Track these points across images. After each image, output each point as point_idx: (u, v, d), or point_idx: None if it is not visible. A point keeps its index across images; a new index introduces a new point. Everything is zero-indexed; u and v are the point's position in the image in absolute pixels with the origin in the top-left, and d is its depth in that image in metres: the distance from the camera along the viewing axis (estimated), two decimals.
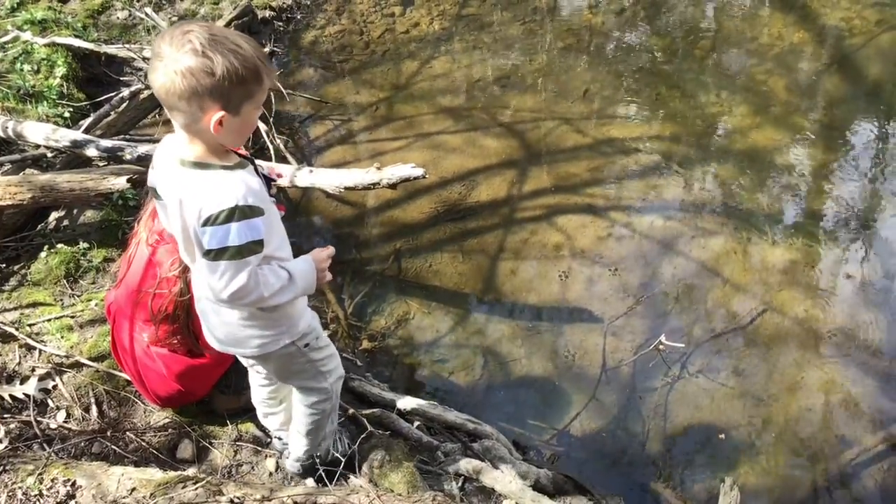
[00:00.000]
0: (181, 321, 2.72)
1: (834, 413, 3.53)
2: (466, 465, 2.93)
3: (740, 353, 3.74)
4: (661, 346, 3.71)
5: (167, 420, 2.99)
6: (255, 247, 1.99)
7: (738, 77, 5.33)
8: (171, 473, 2.62)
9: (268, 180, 2.16)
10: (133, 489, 2.50)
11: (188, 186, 1.97)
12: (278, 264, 2.15)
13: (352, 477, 2.79)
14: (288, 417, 2.77)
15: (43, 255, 3.68)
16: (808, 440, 3.42)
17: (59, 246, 3.72)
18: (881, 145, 4.82)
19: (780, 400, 3.57)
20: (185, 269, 2.62)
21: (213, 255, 1.95)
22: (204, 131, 1.90)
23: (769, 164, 4.68)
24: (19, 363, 3.15)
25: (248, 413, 3.02)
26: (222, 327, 2.29)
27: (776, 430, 3.45)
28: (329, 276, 2.29)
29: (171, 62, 1.80)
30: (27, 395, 3.00)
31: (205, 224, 1.93)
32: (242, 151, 2.11)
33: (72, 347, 3.24)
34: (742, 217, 4.37)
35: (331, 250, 2.31)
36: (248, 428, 3.02)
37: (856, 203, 4.43)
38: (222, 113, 1.86)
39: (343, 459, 2.67)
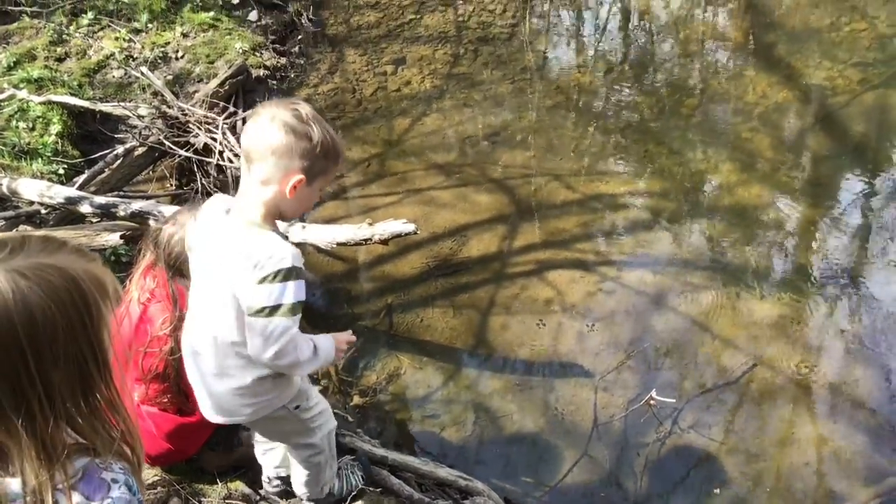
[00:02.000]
0: (171, 380, 2.72)
1: (825, 468, 3.52)
2: None
3: (731, 409, 3.75)
4: (651, 402, 3.71)
5: (156, 478, 2.96)
6: (300, 307, 2.10)
7: (725, 135, 5.42)
8: None
9: None
10: None
11: (243, 244, 2.07)
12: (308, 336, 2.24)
13: None
14: (286, 454, 2.78)
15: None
16: (800, 495, 3.41)
17: None
18: (867, 202, 4.89)
19: (771, 455, 3.56)
20: (176, 328, 2.62)
21: (268, 311, 2.05)
22: (276, 192, 2.04)
23: (756, 220, 4.74)
24: None
25: (238, 470, 3.00)
26: (213, 397, 2.33)
27: (769, 486, 3.44)
28: (341, 359, 2.36)
29: (277, 119, 1.98)
30: None
31: (262, 281, 2.03)
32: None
33: None
34: (730, 272, 4.40)
35: (353, 338, 2.47)
36: (238, 486, 3.00)
37: (843, 258, 4.48)
38: (302, 177, 2.01)
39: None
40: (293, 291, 2.06)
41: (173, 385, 2.73)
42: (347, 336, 2.44)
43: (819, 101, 5.69)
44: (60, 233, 3.77)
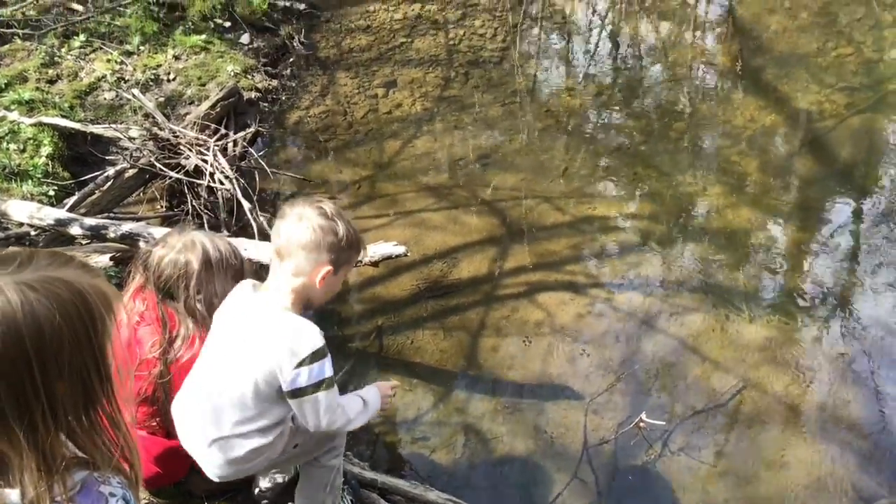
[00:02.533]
0: (160, 403, 2.70)
1: (816, 491, 3.52)
2: None
3: (721, 431, 3.75)
4: (641, 424, 3.72)
5: (144, 501, 2.94)
6: (334, 377, 2.32)
7: (713, 158, 5.46)
8: None
9: None
10: None
11: (276, 332, 2.26)
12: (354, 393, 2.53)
13: None
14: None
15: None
16: None
17: None
18: (855, 225, 4.93)
19: (761, 478, 3.56)
20: (165, 352, 2.62)
21: (311, 390, 2.25)
22: (306, 282, 2.26)
23: (745, 242, 4.77)
24: None
25: (226, 494, 2.98)
26: (210, 463, 2.46)
27: None
28: (388, 405, 2.71)
29: (305, 219, 2.21)
30: None
31: (300, 365, 2.21)
32: None
33: None
34: (719, 295, 4.43)
35: (396, 383, 2.82)
36: None
37: (831, 281, 4.51)
38: (329, 268, 2.24)
39: None
40: (328, 367, 2.28)
41: (161, 408, 2.72)
42: (392, 384, 2.73)
43: (806, 125, 5.75)
44: None
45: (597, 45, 6.93)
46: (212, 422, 2.39)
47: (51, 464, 1.31)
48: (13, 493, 1.30)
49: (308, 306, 2.38)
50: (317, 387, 2.25)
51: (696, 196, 5.15)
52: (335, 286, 2.37)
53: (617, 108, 6.07)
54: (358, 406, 2.47)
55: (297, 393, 2.25)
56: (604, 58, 6.77)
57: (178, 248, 2.65)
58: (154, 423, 2.77)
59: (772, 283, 4.54)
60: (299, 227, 2.20)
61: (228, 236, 4.17)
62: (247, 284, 2.42)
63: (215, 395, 2.37)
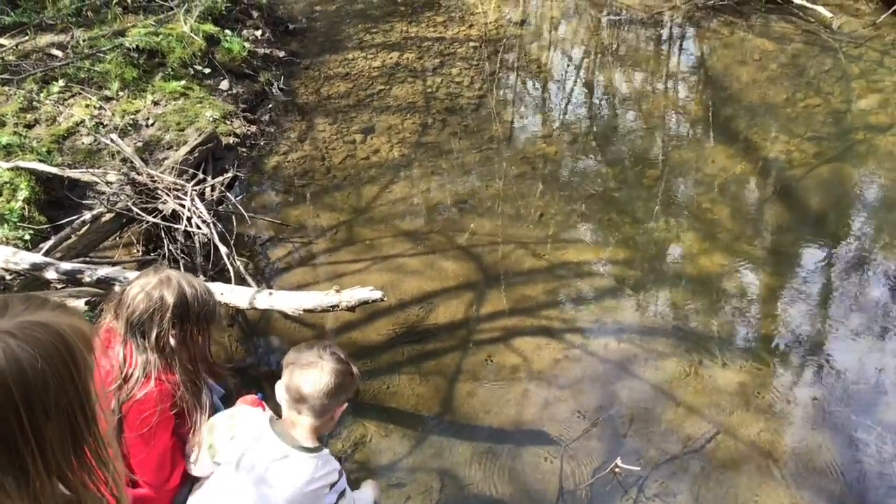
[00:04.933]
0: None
1: None
2: None
3: (696, 476, 3.76)
4: (616, 469, 3.72)
5: None
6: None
7: (686, 205, 5.55)
8: None
9: None
10: None
11: (309, 468, 2.50)
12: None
13: None
14: None
15: None
16: None
17: None
18: (826, 271, 5.01)
19: None
20: (120, 388, 2.62)
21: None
22: (324, 421, 2.51)
23: (718, 288, 4.83)
24: None
25: None
26: None
27: None
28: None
29: (325, 367, 2.41)
30: None
31: (339, 498, 2.63)
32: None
33: None
34: (693, 340, 4.47)
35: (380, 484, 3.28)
36: None
37: (804, 326, 4.57)
38: (345, 406, 2.53)
39: None
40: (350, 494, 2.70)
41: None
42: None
43: (777, 173, 5.87)
44: None
45: (572, 94, 7.06)
46: None
47: None
48: None
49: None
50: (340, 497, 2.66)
51: (670, 242, 5.22)
52: (340, 413, 2.61)
53: (592, 154, 6.16)
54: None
55: None
56: (579, 106, 6.89)
57: (154, 283, 2.67)
58: None
59: (745, 328, 4.60)
60: (322, 379, 2.40)
61: (205, 281, 4.17)
62: (262, 416, 2.64)
63: None
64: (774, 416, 4.04)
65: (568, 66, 7.45)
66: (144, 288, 2.66)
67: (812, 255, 5.12)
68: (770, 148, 6.08)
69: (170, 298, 2.65)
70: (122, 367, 2.65)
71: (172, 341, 2.68)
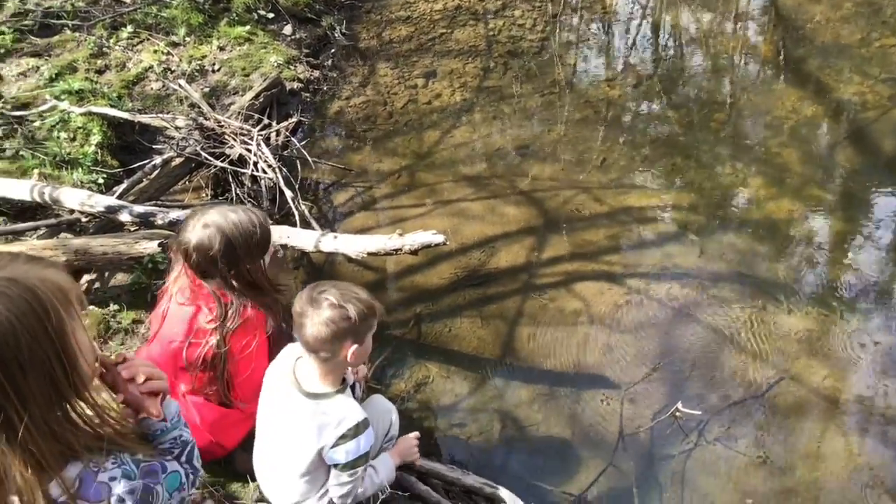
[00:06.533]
0: (219, 371, 2.79)
1: (854, 483, 3.52)
2: None
3: (758, 422, 3.76)
4: (677, 413, 3.74)
5: None
6: (369, 454, 2.62)
7: (754, 149, 5.43)
8: None
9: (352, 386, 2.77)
10: None
11: (315, 415, 2.52)
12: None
13: None
14: None
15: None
16: None
17: (91, 308, 3.82)
18: None
19: (798, 469, 3.57)
20: (222, 324, 2.72)
21: (350, 465, 2.54)
22: (339, 362, 2.49)
23: (785, 234, 4.74)
24: None
25: None
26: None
27: (794, 499, 3.45)
28: (417, 456, 3.05)
29: (316, 317, 2.38)
30: None
31: (339, 441, 2.49)
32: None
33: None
34: (758, 286, 4.41)
35: (417, 434, 3.08)
36: None
37: (873, 273, 4.47)
38: (354, 346, 2.45)
39: None
40: (364, 443, 2.53)
41: (219, 377, 2.81)
42: (412, 440, 3.04)
43: (849, 116, 5.68)
44: (101, 240, 3.88)
45: (637, 35, 6.90)
46: (282, 491, 2.73)
47: (40, 460, 1.34)
48: (16, 500, 1.34)
49: (346, 373, 2.66)
50: (356, 462, 2.56)
51: (736, 187, 5.13)
52: (367, 350, 2.57)
53: (656, 98, 6.05)
54: (371, 478, 2.75)
55: (337, 466, 2.57)
56: (644, 48, 6.74)
57: (197, 230, 2.70)
58: (210, 391, 2.86)
59: (812, 274, 4.52)
60: (315, 327, 2.39)
61: (272, 224, 4.26)
62: (293, 349, 2.65)
63: (279, 469, 2.70)
64: (840, 363, 3.99)
65: (633, 6, 7.26)
66: (191, 238, 2.70)
67: (883, 201, 4.97)
68: (842, 90, 5.88)
69: (216, 245, 2.68)
70: (219, 304, 2.74)
71: (234, 282, 2.76)
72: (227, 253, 2.69)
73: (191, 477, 1.71)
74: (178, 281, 2.79)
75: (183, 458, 1.72)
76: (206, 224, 2.70)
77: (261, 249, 2.81)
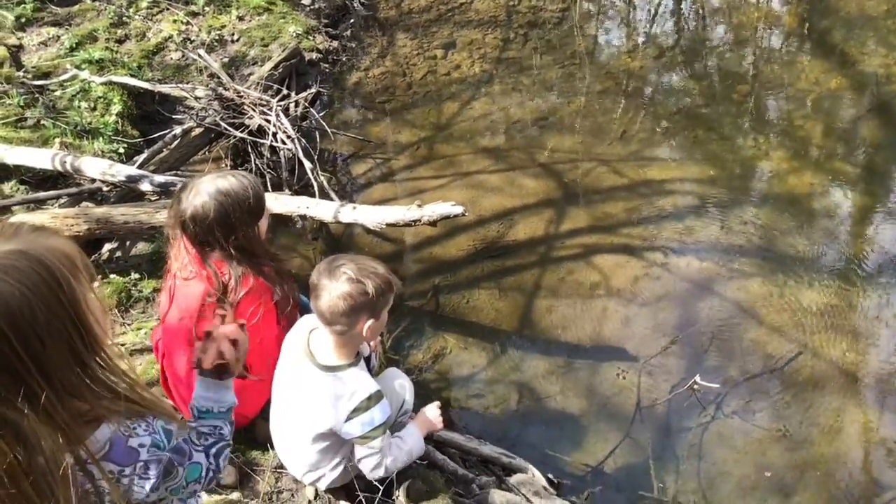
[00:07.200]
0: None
1: (871, 457, 3.52)
2: (501, 498, 2.98)
3: (776, 395, 3.75)
4: (695, 386, 3.74)
5: None
6: (388, 423, 2.59)
7: (776, 121, 5.38)
8: (216, 497, 2.70)
9: (367, 358, 2.79)
10: None
11: (328, 388, 2.52)
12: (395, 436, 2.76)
13: None
14: None
15: (96, 285, 3.81)
16: (843, 484, 3.41)
17: (112, 276, 3.86)
18: None
19: (815, 442, 3.57)
20: (225, 295, 2.72)
21: (368, 437, 2.53)
22: (353, 335, 2.48)
23: (806, 207, 4.70)
24: None
25: None
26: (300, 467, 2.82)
27: (812, 473, 3.45)
28: (442, 425, 2.96)
29: (333, 290, 2.38)
30: None
31: (352, 415, 2.48)
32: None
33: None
34: (778, 260, 4.39)
35: (438, 403, 2.97)
36: None
37: (894, 248, 4.43)
38: (370, 321, 2.45)
39: (381, 487, 2.73)
40: (379, 414, 2.52)
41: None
42: (435, 410, 2.93)
43: (873, 89, 5.61)
44: (122, 209, 3.91)
45: (659, 6, 6.82)
46: (296, 460, 2.78)
47: (64, 427, 1.36)
48: (42, 461, 1.34)
49: (360, 346, 2.65)
50: (368, 436, 2.54)
51: (758, 160, 5.08)
52: (382, 324, 2.56)
53: (678, 70, 5.99)
54: (401, 449, 2.72)
55: (353, 438, 2.57)
56: (666, 19, 6.67)
57: (191, 200, 2.67)
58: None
59: (833, 248, 4.48)
60: (332, 300, 2.39)
61: (290, 195, 4.27)
62: (308, 320, 2.66)
63: (293, 439, 2.73)
64: (859, 337, 3.97)
65: None
66: (186, 209, 2.67)
67: None
68: (867, 62, 5.79)
69: (211, 214, 2.65)
70: (216, 277, 2.74)
71: (234, 251, 2.75)
72: (221, 220, 2.67)
73: (210, 474, 1.73)
74: (179, 257, 2.78)
75: (213, 451, 1.75)
76: (199, 192, 2.67)
77: (255, 215, 2.78)
